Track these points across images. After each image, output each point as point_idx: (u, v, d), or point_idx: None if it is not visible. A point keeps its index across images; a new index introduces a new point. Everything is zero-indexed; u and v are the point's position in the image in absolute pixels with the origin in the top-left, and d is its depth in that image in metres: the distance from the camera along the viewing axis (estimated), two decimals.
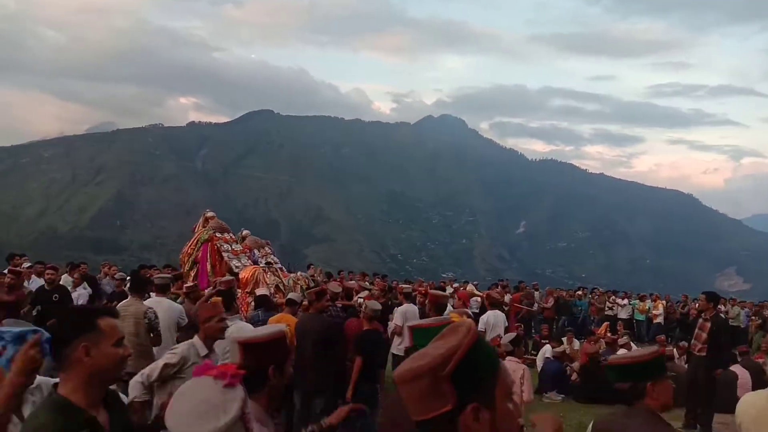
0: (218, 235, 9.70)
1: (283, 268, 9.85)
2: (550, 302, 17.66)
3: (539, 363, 11.11)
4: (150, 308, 6.17)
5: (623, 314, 18.00)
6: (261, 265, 9.33)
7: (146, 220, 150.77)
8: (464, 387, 1.21)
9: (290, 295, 7.56)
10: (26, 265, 11.41)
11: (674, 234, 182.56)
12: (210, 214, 10.38)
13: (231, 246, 9.62)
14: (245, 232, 10.57)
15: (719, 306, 9.45)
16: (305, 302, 7.29)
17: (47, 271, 9.36)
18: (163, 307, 6.54)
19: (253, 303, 8.28)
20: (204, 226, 10.06)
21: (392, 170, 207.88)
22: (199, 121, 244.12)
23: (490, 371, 1.25)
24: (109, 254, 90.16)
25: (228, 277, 8.12)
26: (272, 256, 9.93)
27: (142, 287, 6.64)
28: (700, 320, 7.87)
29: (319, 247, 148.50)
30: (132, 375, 6.01)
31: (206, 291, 7.80)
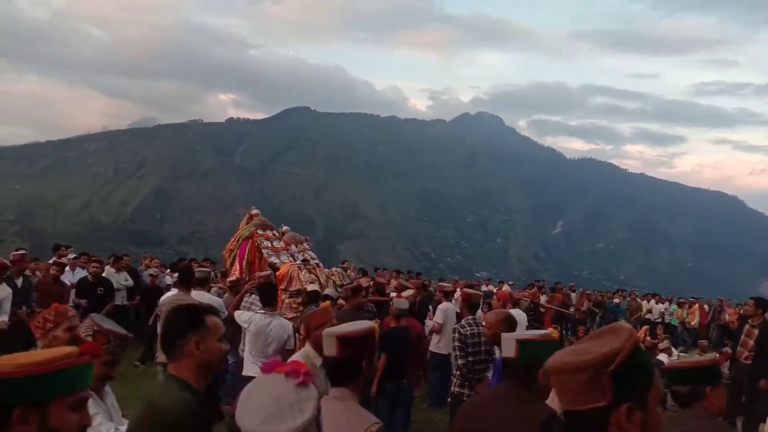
0: (260, 232, 9.79)
1: (320, 264, 9.88)
2: (585, 305, 17.39)
3: None
4: (199, 303, 6.31)
5: (657, 319, 17.71)
6: (297, 262, 9.39)
7: (185, 214, 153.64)
8: (622, 386, 1.27)
9: (326, 291, 7.61)
10: (71, 256, 11.75)
11: (717, 236, 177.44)
12: (255, 211, 10.50)
13: (272, 243, 9.68)
14: (285, 228, 10.64)
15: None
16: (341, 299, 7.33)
17: (92, 264, 9.62)
18: (203, 300, 6.70)
19: (289, 299, 8.36)
20: (248, 224, 10.19)
21: (427, 168, 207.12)
22: (238, 118, 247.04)
23: (647, 375, 1.32)
24: (149, 247, 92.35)
25: (267, 272, 8.22)
26: (310, 253, 9.96)
27: (189, 281, 6.74)
28: (747, 326, 7.63)
29: (353, 243, 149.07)
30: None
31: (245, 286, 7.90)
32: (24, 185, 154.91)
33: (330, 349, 2.30)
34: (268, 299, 6.06)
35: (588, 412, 1.28)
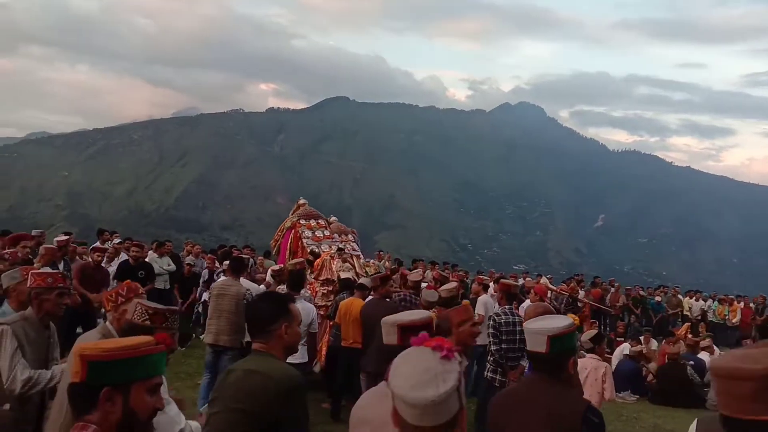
0: (302, 222, 9.88)
1: (360, 255, 9.88)
2: (621, 301, 17.09)
3: (614, 361, 10.79)
4: (248, 289, 6.58)
5: (697, 316, 17.37)
6: (332, 251, 9.43)
7: (227, 202, 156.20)
8: None
9: (361, 280, 7.68)
10: (117, 241, 12.10)
11: (767, 233, 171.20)
12: (302, 201, 10.62)
13: (313, 232, 9.75)
14: (333, 218, 10.63)
15: None
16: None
17: (133, 248, 9.88)
18: (244, 285, 7.03)
19: (321, 287, 8.46)
20: (293, 214, 10.31)
21: (466, 159, 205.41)
22: (278, 107, 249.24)
23: None
24: (191, 233, 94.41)
25: (299, 259, 8.34)
26: (352, 244, 9.91)
27: (240, 270, 7.04)
28: None
29: (390, 233, 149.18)
30: (227, 348, 6.47)
31: None
32: (73, 172, 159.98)
33: (390, 337, 2.46)
34: (294, 285, 6.39)
35: (752, 423, 1.19)
